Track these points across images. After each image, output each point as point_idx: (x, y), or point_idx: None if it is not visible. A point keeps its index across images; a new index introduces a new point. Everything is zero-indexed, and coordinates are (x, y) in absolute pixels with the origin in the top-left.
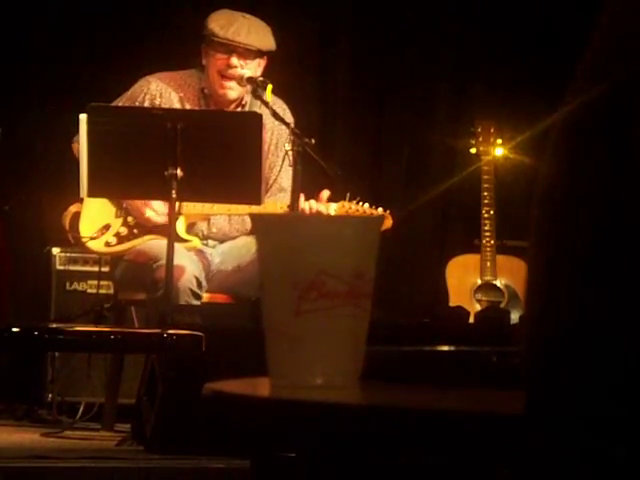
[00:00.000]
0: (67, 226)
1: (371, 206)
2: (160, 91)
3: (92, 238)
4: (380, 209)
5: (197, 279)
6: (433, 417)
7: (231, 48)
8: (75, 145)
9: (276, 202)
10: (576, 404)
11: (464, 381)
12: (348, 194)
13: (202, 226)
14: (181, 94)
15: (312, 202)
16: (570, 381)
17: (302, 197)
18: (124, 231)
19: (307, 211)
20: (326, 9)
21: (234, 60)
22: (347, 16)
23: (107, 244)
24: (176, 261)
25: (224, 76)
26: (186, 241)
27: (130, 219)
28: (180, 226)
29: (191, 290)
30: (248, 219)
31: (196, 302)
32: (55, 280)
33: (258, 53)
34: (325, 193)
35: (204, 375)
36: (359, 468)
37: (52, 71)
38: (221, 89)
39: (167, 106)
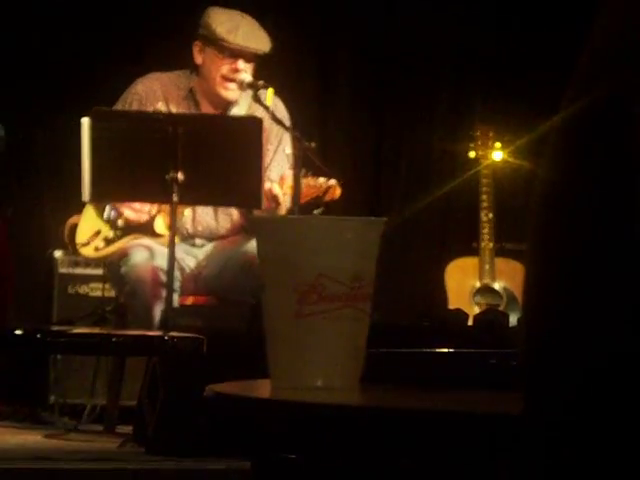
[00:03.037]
0: (66, 238)
1: (322, 176)
2: (145, 92)
3: (84, 245)
4: (333, 180)
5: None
6: (432, 418)
7: (237, 52)
8: None
9: None
10: (574, 405)
11: (463, 383)
12: (303, 170)
13: (187, 224)
14: (166, 95)
15: (273, 185)
16: (568, 382)
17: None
18: (111, 234)
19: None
20: (325, 12)
21: (241, 64)
22: (347, 19)
23: (96, 249)
24: (146, 259)
25: (228, 79)
26: (163, 237)
27: (119, 222)
28: (160, 223)
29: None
30: (235, 216)
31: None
32: (57, 283)
33: (259, 56)
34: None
35: (205, 377)
36: (359, 469)
37: (55, 75)
38: (224, 91)
39: (151, 106)
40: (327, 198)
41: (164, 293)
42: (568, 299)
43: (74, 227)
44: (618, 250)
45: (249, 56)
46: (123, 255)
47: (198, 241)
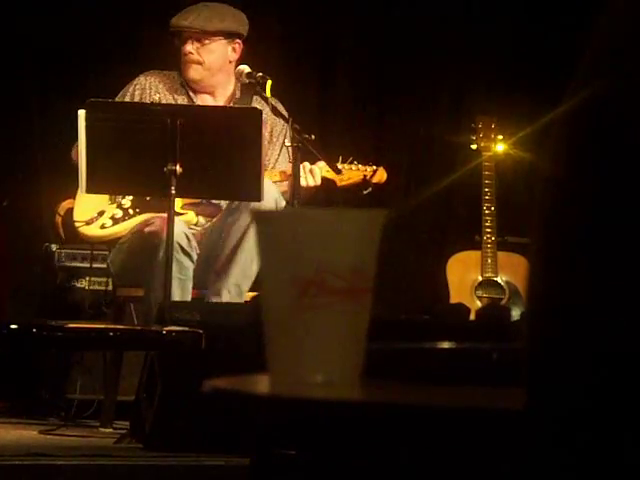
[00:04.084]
0: (59, 223)
1: (365, 164)
2: (149, 82)
3: (86, 223)
4: (373, 167)
5: (187, 237)
6: (433, 414)
7: (184, 35)
8: (75, 151)
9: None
10: (577, 401)
11: (464, 378)
12: (340, 157)
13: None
14: (169, 85)
15: (309, 165)
16: (571, 377)
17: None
18: (119, 213)
19: (305, 170)
20: (327, 6)
21: (187, 47)
22: (348, 13)
23: (102, 226)
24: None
25: (184, 62)
26: (181, 214)
27: (124, 202)
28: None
29: (181, 246)
30: None
31: (187, 261)
32: (54, 276)
33: (215, 36)
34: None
35: (203, 372)
36: (359, 466)
37: (52, 68)
38: (186, 73)
39: (157, 95)
40: (375, 180)
41: (185, 258)
42: (571, 293)
43: (69, 212)
44: (622, 243)
45: (194, 36)
46: (146, 224)
47: (202, 220)
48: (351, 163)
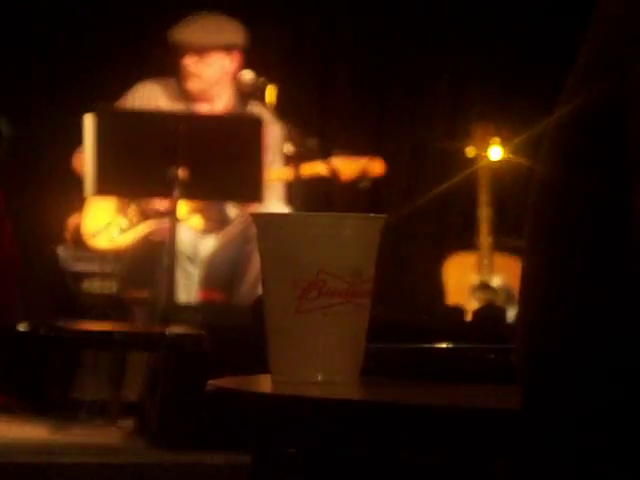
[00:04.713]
0: (70, 240)
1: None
2: (148, 90)
3: (95, 236)
4: (371, 158)
5: (193, 245)
6: (431, 413)
7: (181, 50)
8: (78, 155)
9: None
10: (572, 401)
11: (462, 378)
12: (335, 150)
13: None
14: (167, 93)
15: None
16: (566, 378)
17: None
18: (125, 223)
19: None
20: (326, 9)
21: (186, 60)
22: (347, 17)
23: (111, 238)
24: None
25: (185, 75)
26: (186, 219)
27: (129, 211)
28: (182, 208)
29: (187, 255)
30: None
31: (193, 268)
32: (59, 279)
33: (214, 50)
34: None
35: (206, 373)
36: (359, 464)
37: (58, 72)
38: (184, 84)
39: (155, 103)
40: (370, 172)
41: (190, 265)
42: (566, 295)
43: (78, 226)
44: (616, 246)
45: (194, 50)
46: (155, 230)
47: (207, 225)
48: (347, 156)
